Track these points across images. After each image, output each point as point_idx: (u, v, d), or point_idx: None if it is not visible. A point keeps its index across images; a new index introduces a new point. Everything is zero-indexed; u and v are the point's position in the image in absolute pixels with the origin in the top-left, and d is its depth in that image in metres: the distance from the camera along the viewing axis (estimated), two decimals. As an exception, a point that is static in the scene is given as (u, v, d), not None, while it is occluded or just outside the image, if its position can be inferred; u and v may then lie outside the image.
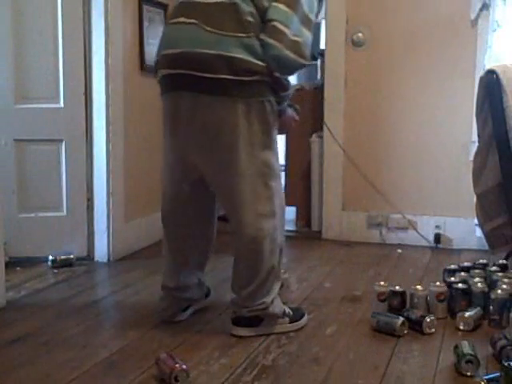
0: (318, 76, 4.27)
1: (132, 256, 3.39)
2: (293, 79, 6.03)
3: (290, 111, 2.36)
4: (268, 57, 2.04)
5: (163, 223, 2.37)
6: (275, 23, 2.02)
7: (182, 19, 2.09)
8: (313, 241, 3.80)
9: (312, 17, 2.14)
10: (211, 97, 2.06)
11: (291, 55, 2.04)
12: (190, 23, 2.06)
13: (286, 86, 2.16)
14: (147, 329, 2.30)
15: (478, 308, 2.36)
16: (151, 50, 3.30)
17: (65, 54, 3.15)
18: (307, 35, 2.10)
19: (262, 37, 2.03)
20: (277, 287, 2.27)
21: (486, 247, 3.14)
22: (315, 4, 2.16)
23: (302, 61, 2.09)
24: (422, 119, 3.63)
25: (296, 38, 2.05)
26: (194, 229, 2.35)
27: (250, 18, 2.02)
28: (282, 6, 2.03)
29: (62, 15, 3.12)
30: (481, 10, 3.42)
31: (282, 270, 2.81)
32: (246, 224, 2.17)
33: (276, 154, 2.23)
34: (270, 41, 2.02)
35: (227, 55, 2.01)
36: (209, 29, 2.02)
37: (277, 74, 2.08)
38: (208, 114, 2.08)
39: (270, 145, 2.18)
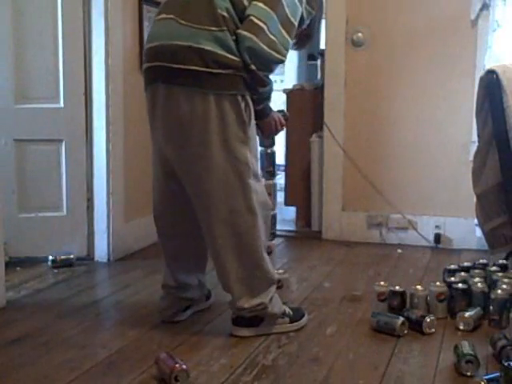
0: (318, 76, 4.28)
1: (132, 256, 3.39)
2: (293, 79, 6.01)
3: (274, 114, 2.34)
4: (242, 49, 2.03)
5: (155, 222, 2.35)
6: (252, 17, 2.03)
7: (163, 16, 2.14)
8: (313, 241, 3.80)
9: (294, 21, 2.13)
10: (184, 88, 2.06)
11: (266, 49, 2.03)
12: (168, 18, 2.10)
13: (263, 81, 2.12)
14: (147, 329, 2.30)
15: (478, 308, 2.36)
16: (151, 50, 3.30)
17: (65, 54, 3.15)
18: (286, 38, 2.09)
19: (238, 30, 2.04)
20: (272, 288, 2.23)
21: (486, 247, 3.13)
22: (299, 9, 2.15)
23: (278, 56, 2.07)
24: (422, 119, 3.63)
25: (273, 37, 2.04)
26: (183, 227, 2.32)
27: (224, 13, 2.03)
28: (261, 5, 2.04)
29: (62, 15, 3.13)
30: (481, 10, 3.42)
31: (282, 270, 2.82)
32: (217, 221, 2.13)
33: (254, 152, 2.17)
34: (245, 33, 2.02)
35: (197, 47, 2.02)
36: (184, 22, 2.05)
37: (253, 67, 2.05)
38: (180, 106, 2.08)
39: (246, 141, 2.13)
